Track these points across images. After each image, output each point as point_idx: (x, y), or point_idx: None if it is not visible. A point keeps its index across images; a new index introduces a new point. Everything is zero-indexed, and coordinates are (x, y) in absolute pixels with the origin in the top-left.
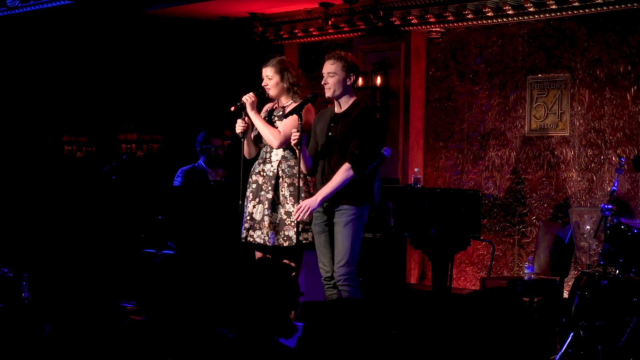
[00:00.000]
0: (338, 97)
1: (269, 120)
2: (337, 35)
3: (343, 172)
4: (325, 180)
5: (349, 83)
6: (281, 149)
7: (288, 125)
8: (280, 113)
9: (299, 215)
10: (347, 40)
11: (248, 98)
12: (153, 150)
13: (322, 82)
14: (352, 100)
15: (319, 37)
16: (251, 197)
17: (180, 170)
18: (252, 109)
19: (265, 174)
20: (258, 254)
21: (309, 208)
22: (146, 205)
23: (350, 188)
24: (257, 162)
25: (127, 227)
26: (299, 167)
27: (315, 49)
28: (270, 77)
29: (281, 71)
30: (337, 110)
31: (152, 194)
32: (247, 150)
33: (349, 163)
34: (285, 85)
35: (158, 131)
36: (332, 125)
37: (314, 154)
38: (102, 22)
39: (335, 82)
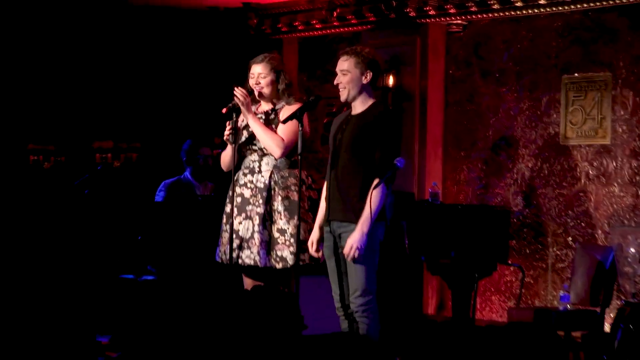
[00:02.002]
0: (353, 99)
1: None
2: (344, 29)
3: (378, 195)
4: (334, 192)
5: (365, 81)
6: (272, 158)
7: (290, 132)
8: (272, 117)
9: (351, 259)
10: (354, 35)
11: (242, 97)
12: (132, 161)
13: (335, 82)
14: (370, 101)
15: (323, 30)
16: (235, 212)
17: (163, 183)
18: (249, 110)
19: (253, 185)
20: (247, 280)
21: (358, 248)
22: (124, 224)
23: (359, 203)
24: (240, 173)
25: (101, 249)
26: (299, 177)
27: (318, 44)
28: (263, 75)
29: (276, 69)
30: (352, 112)
31: (131, 211)
32: (229, 160)
33: (378, 178)
34: (280, 85)
35: (137, 138)
36: (343, 128)
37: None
38: (69, 12)
39: (349, 80)
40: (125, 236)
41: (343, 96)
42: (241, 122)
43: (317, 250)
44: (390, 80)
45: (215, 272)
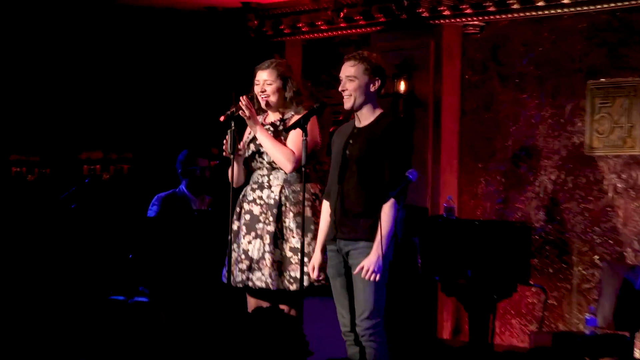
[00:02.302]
0: (359, 108)
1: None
2: (351, 30)
3: (390, 212)
4: (341, 211)
5: (372, 90)
6: (282, 172)
7: (299, 143)
8: (280, 128)
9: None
10: (363, 37)
11: (247, 110)
12: (122, 172)
13: (340, 89)
14: (377, 112)
15: (328, 32)
16: (244, 230)
17: (156, 197)
18: (256, 122)
19: (263, 201)
20: (251, 300)
21: (376, 271)
22: (113, 241)
23: (368, 220)
24: (248, 188)
25: (89, 268)
26: (308, 190)
27: (323, 46)
28: (269, 82)
29: (284, 76)
30: (357, 124)
31: (121, 227)
32: (236, 175)
33: (394, 198)
34: (287, 93)
35: (129, 148)
36: (350, 142)
37: (331, 179)
38: (55, 11)
39: (356, 88)
40: (115, 254)
41: (348, 104)
42: (247, 134)
43: (318, 275)
44: (402, 86)
45: (213, 292)
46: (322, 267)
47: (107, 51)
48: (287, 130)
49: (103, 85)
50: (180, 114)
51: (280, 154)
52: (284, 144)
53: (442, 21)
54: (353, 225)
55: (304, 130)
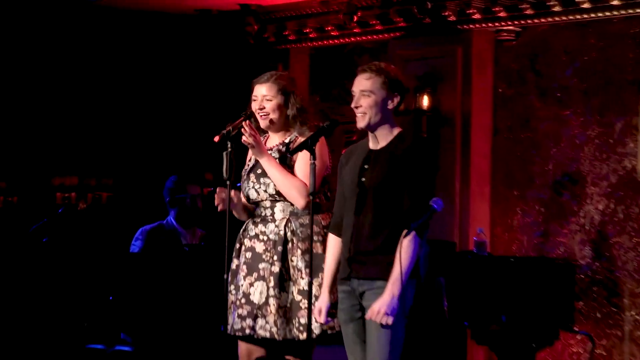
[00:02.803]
0: (374, 128)
1: (262, 171)
2: (366, 37)
3: (410, 247)
4: (355, 247)
5: (390, 107)
6: (287, 203)
7: (308, 171)
8: (285, 153)
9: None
10: (379, 44)
11: (249, 133)
12: (101, 201)
13: (353, 105)
14: (395, 131)
15: (340, 39)
16: (245, 270)
17: (140, 230)
18: (263, 151)
19: (266, 237)
20: (242, 346)
21: (388, 314)
22: (91, 281)
23: (387, 257)
24: (250, 222)
25: (64, 312)
26: (315, 223)
27: (334, 56)
28: (269, 97)
29: (285, 91)
30: (372, 145)
31: (100, 265)
32: (238, 213)
33: (415, 231)
34: (290, 111)
35: (109, 173)
36: (365, 167)
37: (339, 209)
38: (27, 20)
39: (372, 104)
40: (93, 296)
41: (362, 123)
42: (249, 161)
43: (326, 320)
44: (425, 101)
45: (206, 341)
46: (332, 312)
47: (84, 60)
48: (292, 152)
49: (80, 99)
50: (168, 134)
51: (292, 188)
52: (293, 174)
53: (471, 26)
54: (369, 262)
55: (312, 153)
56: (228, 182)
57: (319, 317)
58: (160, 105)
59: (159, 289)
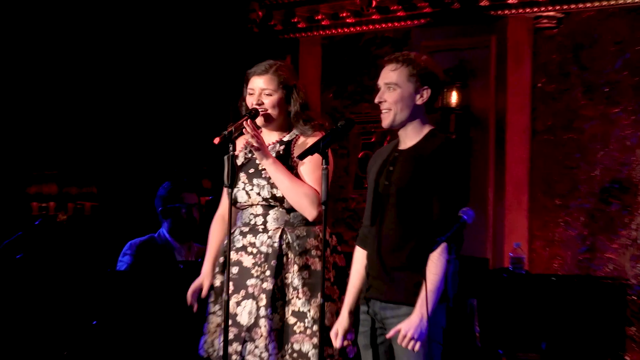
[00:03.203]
0: (401, 126)
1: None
2: (386, 24)
3: (439, 263)
4: (376, 260)
5: (419, 102)
6: (281, 211)
7: (320, 176)
8: (282, 153)
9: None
10: (401, 33)
11: (252, 134)
12: (84, 212)
13: (376, 100)
14: (425, 129)
15: (357, 27)
16: (232, 288)
17: (129, 244)
18: (266, 152)
19: (256, 249)
20: None
21: (415, 338)
22: (72, 303)
23: (413, 276)
24: (236, 232)
25: (41, 337)
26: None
27: (350, 46)
28: (269, 92)
29: (287, 84)
30: (401, 146)
31: (82, 284)
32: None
33: (445, 243)
34: (292, 107)
35: (92, 181)
36: (390, 169)
37: (365, 219)
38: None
39: (398, 99)
40: (74, 321)
41: (386, 121)
42: (244, 157)
43: (343, 343)
44: (454, 98)
45: None
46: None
47: (62, 52)
48: (302, 156)
49: (59, 96)
50: (161, 135)
51: (303, 196)
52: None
53: (507, 12)
54: (392, 283)
55: (325, 158)
56: (230, 190)
57: (335, 341)
58: (153, 102)
59: (150, 311)
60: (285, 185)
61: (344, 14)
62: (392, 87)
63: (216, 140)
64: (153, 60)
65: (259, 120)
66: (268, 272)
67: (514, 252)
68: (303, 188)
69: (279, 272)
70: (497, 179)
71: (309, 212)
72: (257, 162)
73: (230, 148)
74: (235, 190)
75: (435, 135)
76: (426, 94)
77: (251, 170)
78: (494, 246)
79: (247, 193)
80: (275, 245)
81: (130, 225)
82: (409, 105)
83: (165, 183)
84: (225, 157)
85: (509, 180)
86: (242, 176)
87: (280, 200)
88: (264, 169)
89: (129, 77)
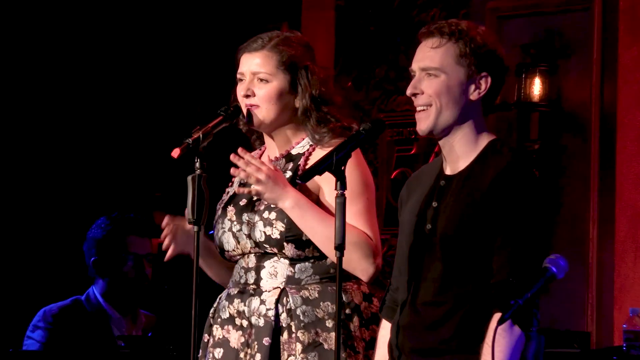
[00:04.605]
0: (445, 132)
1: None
2: None
3: (507, 341)
4: (410, 339)
5: (474, 97)
6: (282, 262)
7: (366, 207)
8: (288, 175)
9: None
10: None
11: (244, 156)
12: None
13: (409, 92)
14: (482, 141)
15: None
16: None
17: (42, 312)
18: (280, 185)
19: (246, 322)
20: None
21: None
22: None
23: (465, 358)
24: (223, 296)
25: None
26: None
27: (378, 8)
28: (264, 76)
29: (293, 64)
30: (448, 167)
31: None
32: (213, 272)
33: (514, 315)
34: (300, 101)
35: None
36: (434, 205)
37: (398, 276)
38: None
39: (441, 90)
40: None
41: (424, 123)
42: (229, 187)
43: None
44: (537, 88)
45: None
46: None
47: None
48: (303, 177)
49: None
50: (92, 144)
51: (350, 247)
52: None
53: None
54: None
55: (341, 180)
56: (195, 228)
57: None
58: (81, 97)
59: None
60: (321, 235)
61: None
62: (432, 73)
63: (175, 153)
64: (95, 37)
65: (253, 122)
66: (258, 357)
67: (630, 323)
68: (350, 234)
69: (277, 355)
70: (602, 210)
71: (364, 269)
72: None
73: (197, 164)
74: (219, 233)
75: (499, 151)
76: (484, 84)
77: (242, 203)
78: (598, 313)
79: (234, 236)
80: (270, 314)
81: (44, 283)
82: (458, 101)
83: (100, 219)
84: (190, 178)
85: (621, 212)
86: (229, 211)
87: (280, 246)
88: (259, 199)
89: (59, 64)
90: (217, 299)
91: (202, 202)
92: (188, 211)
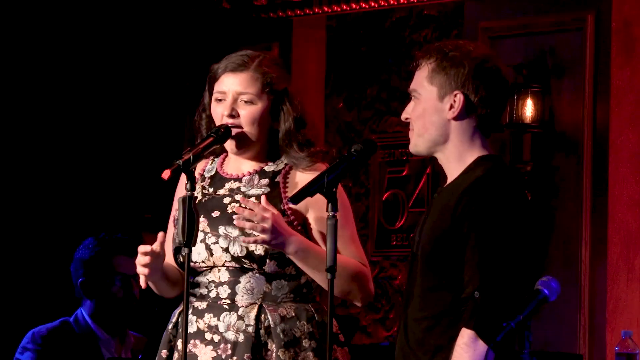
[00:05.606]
0: (432, 151)
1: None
2: None
3: (466, 355)
4: (404, 345)
5: (449, 117)
6: (258, 278)
7: (354, 234)
8: (259, 193)
9: None
10: (449, 9)
11: (247, 204)
12: None
13: (403, 116)
14: (472, 156)
15: (378, 1)
16: None
17: (31, 334)
18: (284, 235)
19: (219, 337)
20: None
21: None
22: None
23: None
24: (190, 311)
25: None
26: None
27: (369, 30)
28: (248, 98)
29: (274, 86)
30: (447, 182)
31: None
32: (160, 289)
33: (471, 330)
34: (283, 124)
35: None
36: (425, 217)
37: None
38: None
39: (417, 112)
40: None
41: (410, 146)
42: (202, 191)
43: None
44: (529, 109)
45: None
46: None
47: None
48: (295, 199)
49: None
50: (82, 163)
51: (348, 279)
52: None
53: None
54: None
55: (332, 202)
56: (186, 250)
57: None
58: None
59: None
60: (323, 275)
61: None
62: (413, 95)
63: (166, 175)
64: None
65: (230, 144)
66: None
67: (622, 346)
68: (344, 267)
69: None
70: (595, 231)
71: (363, 297)
72: (226, 197)
73: (187, 185)
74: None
75: (483, 164)
76: (458, 102)
77: (215, 213)
78: (591, 335)
79: (208, 248)
80: (250, 330)
81: (32, 304)
82: (434, 122)
83: (88, 240)
84: (181, 200)
85: (614, 233)
86: (202, 222)
87: (261, 262)
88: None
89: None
90: (175, 314)
91: (193, 223)
92: (178, 232)
